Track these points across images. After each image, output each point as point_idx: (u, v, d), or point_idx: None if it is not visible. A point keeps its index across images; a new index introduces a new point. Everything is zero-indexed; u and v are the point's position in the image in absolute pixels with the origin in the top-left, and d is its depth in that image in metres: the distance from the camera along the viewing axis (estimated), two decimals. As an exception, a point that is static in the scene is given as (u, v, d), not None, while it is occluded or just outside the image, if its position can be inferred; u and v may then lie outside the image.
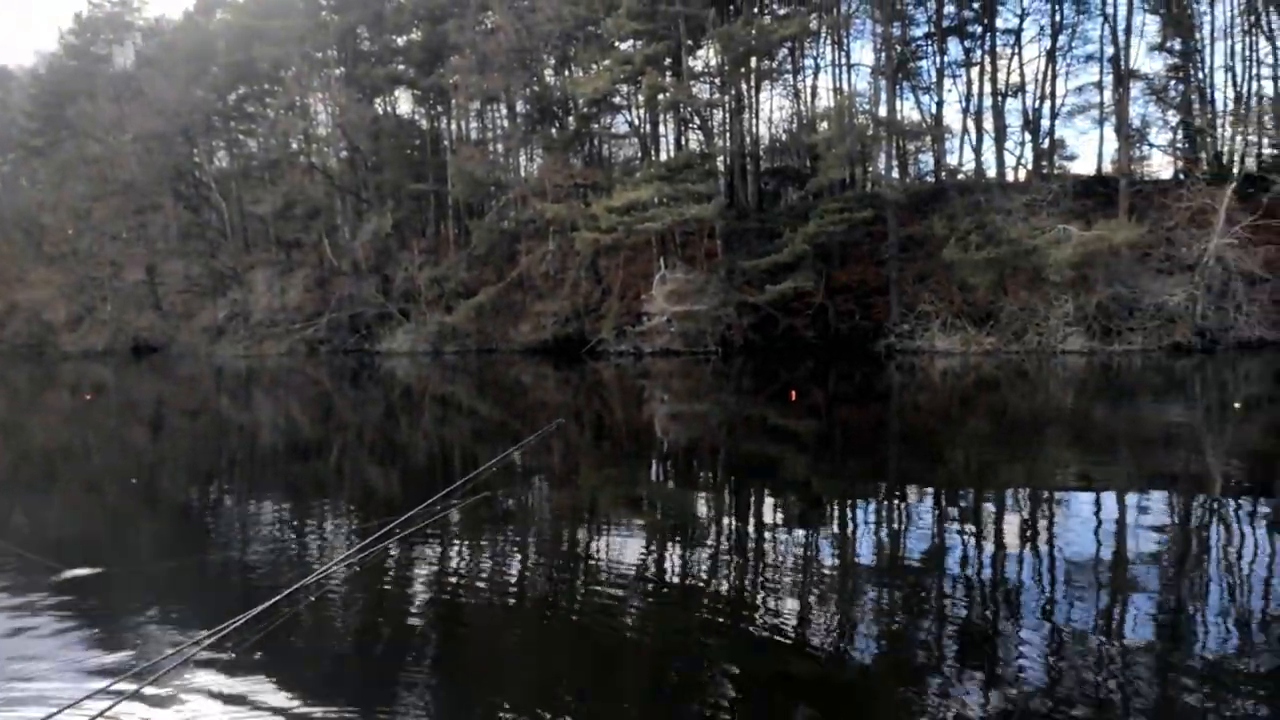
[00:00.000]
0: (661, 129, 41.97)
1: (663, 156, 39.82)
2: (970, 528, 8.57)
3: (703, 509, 9.81)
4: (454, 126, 50.53)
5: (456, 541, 8.33)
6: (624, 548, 8.09)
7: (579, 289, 37.81)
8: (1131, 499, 9.61)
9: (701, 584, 7.00)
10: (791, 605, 6.44)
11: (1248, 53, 41.20)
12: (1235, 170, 30.45)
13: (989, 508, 9.41)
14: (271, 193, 46.74)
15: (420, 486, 10.91)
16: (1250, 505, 9.34)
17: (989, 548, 7.85)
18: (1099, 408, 17.37)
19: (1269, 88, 33.38)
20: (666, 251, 35.79)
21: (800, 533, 8.58)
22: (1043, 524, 8.71)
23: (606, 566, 7.53)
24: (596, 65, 36.95)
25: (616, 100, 39.26)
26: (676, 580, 7.16)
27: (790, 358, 30.19)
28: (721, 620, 6.19)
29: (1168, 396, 18.93)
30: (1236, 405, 16.54)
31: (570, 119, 40.59)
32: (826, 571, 7.29)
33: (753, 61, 36.50)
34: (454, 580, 7.15)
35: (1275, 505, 9.28)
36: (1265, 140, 33.12)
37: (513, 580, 7.18)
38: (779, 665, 5.42)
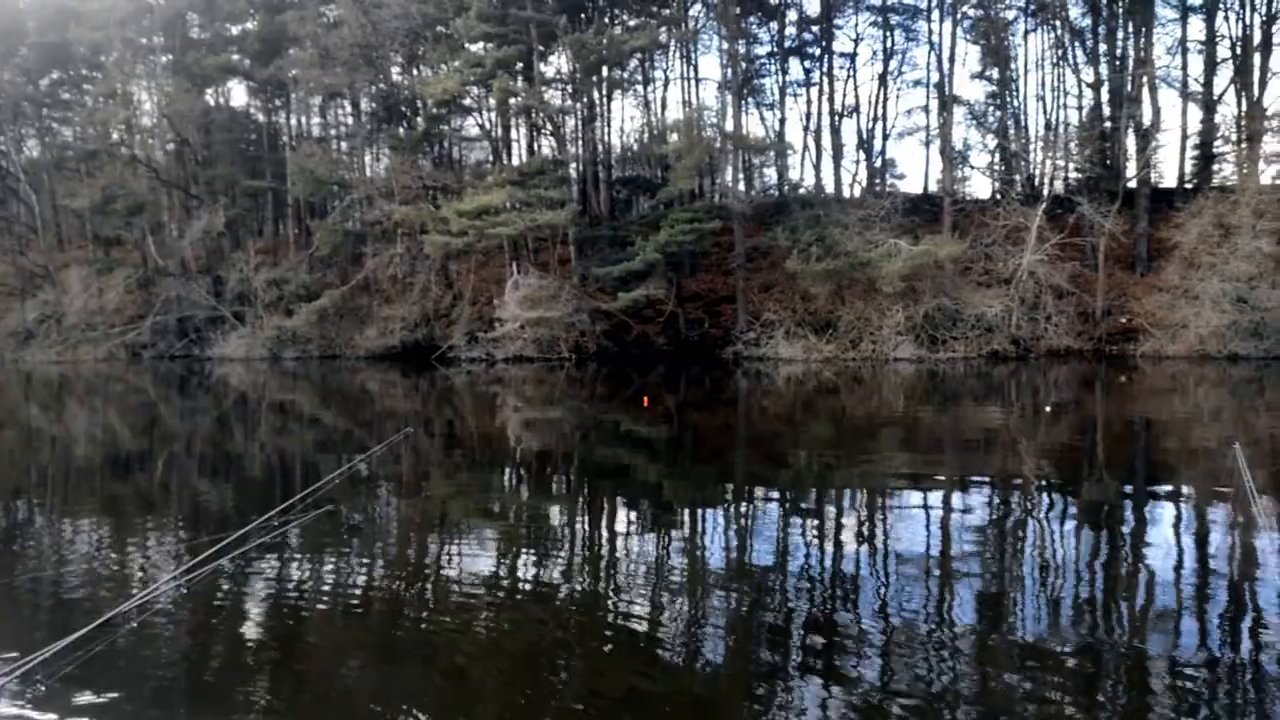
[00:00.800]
0: (513, 133, 41.73)
1: (515, 161, 39.57)
2: (813, 527, 8.94)
3: (556, 516, 9.78)
4: (294, 121, 48.39)
5: (297, 558, 7.94)
6: (476, 558, 7.95)
7: (429, 293, 36.96)
8: (956, 495, 10.30)
9: (555, 591, 6.97)
10: (644, 611, 6.51)
11: (1057, 84, 45.08)
12: (1045, 192, 33.28)
13: (830, 508, 9.85)
14: (89, 186, 43.16)
15: (257, 501, 10.35)
16: (1060, 498, 10.21)
17: (830, 546, 8.22)
18: (927, 411, 18.53)
19: (1075, 117, 36.79)
20: (519, 257, 35.55)
21: (652, 537, 8.70)
22: (879, 521, 9.20)
23: (458, 577, 7.38)
24: (446, 66, 36.29)
25: (467, 102, 38.71)
26: (529, 588, 7.10)
27: (643, 364, 30.61)
28: (574, 629, 6.19)
29: (987, 400, 20.42)
30: (1047, 408, 18.03)
31: (419, 119, 39.68)
32: (678, 576, 7.42)
33: (604, 70, 36.85)
34: (294, 599, 6.82)
35: (1081, 498, 10.19)
36: (1071, 165, 36.39)
37: (358, 596, 6.91)
38: (632, 671, 5.47)
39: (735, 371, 28.12)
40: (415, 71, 40.87)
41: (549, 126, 38.99)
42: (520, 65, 35.57)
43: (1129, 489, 10.86)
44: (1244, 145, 32.45)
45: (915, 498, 10.19)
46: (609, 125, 40.90)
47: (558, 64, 38.39)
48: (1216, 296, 26.28)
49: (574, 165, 39.06)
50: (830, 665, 5.48)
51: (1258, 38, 32.14)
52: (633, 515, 9.84)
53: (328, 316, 38.07)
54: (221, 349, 39.83)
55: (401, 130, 39.99)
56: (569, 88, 37.82)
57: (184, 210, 44.91)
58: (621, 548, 8.43)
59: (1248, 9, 32.82)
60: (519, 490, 11.60)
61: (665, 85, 47.69)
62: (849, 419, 17.66)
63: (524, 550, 8.26)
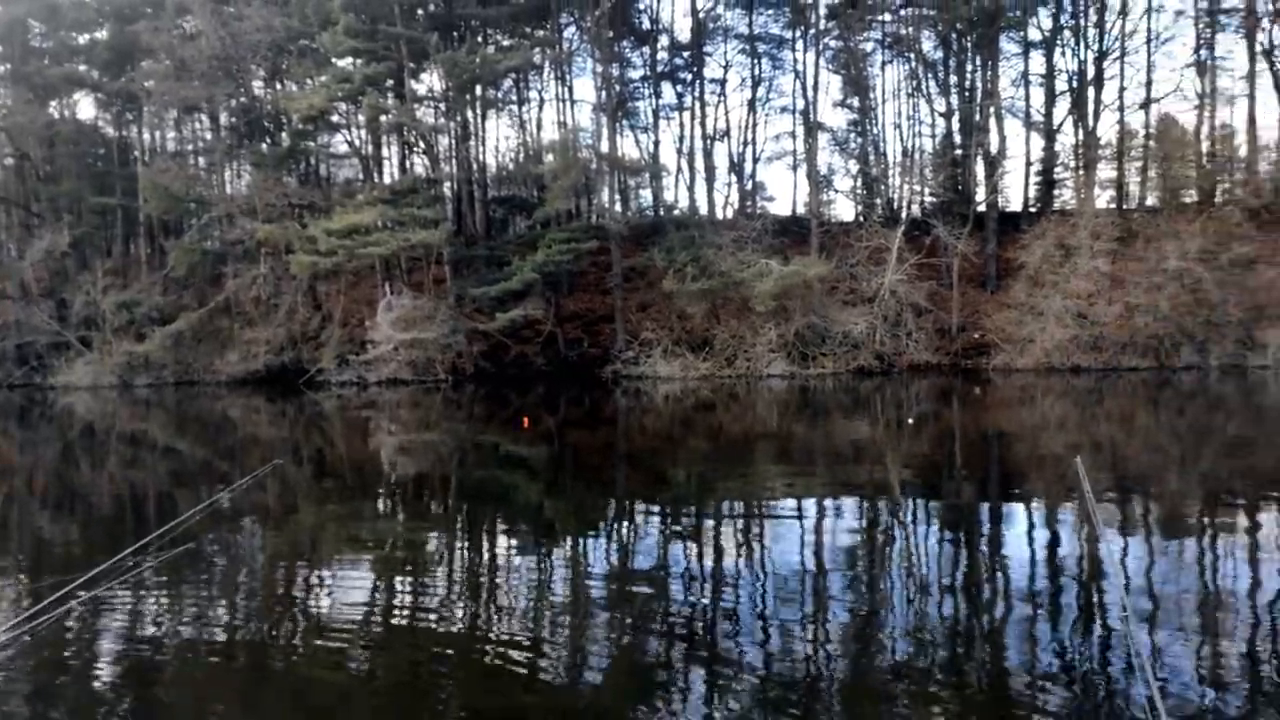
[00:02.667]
0: (385, 151, 40.81)
1: (386, 179, 38.68)
2: (693, 542, 9.06)
3: (433, 542, 9.55)
4: (147, 136, 45.77)
5: (154, 599, 7.45)
6: (349, 590, 7.67)
7: (295, 315, 35.56)
8: (829, 505, 10.66)
9: (432, 619, 6.80)
10: (525, 634, 6.43)
11: (912, 113, 47.63)
12: (904, 215, 35.02)
13: (709, 521, 10.00)
14: (-88, 202, 39.61)
15: (108, 540, 9.67)
16: (923, 505, 10.71)
17: (710, 559, 8.34)
18: (799, 425, 19.13)
19: (929, 144, 38.95)
20: (392, 277, 34.70)
21: (533, 558, 8.61)
22: (756, 533, 9.40)
23: (330, 611, 7.10)
24: (312, 81, 35.18)
25: (335, 119, 37.62)
26: (406, 618, 6.90)
27: (522, 384, 30.36)
28: (453, 654, 6.05)
29: (855, 414, 21.26)
30: (909, 420, 18.91)
31: (283, 135, 38.29)
32: (559, 597, 7.37)
33: (478, 89, 36.58)
34: (150, 642, 6.38)
35: (941, 504, 10.71)
36: (926, 190, 38.47)
37: (220, 638, 6.53)
38: (512, 696, 5.39)
39: (614, 390, 28.27)
40: (279, 86, 39.45)
41: (421, 145, 38.34)
42: (391, 82, 34.86)
43: (984, 495, 11.49)
44: (1081, 172, 35.15)
45: (790, 508, 10.48)
46: (484, 144, 40.63)
47: (430, 82, 37.86)
48: (1059, 313, 28.23)
49: (448, 184, 38.50)
50: (712, 676, 5.56)
51: (1091, 72, 34.96)
52: (513, 537, 9.72)
53: (184, 340, 36.06)
54: (66, 377, 37.09)
55: (265, 146, 38.47)
56: (442, 106, 37.32)
57: (24, 229, 41.77)
58: (502, 570, 8.30)
59: (1082, 45, 35.67)
60: (394, 517, 11.28)
61: (540, 106, 47.90)
62: (726, 435, 18.02)
63: (400, 579, 8.03)
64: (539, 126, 43.43)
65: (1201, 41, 34.94)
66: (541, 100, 44.36)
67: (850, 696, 5.26)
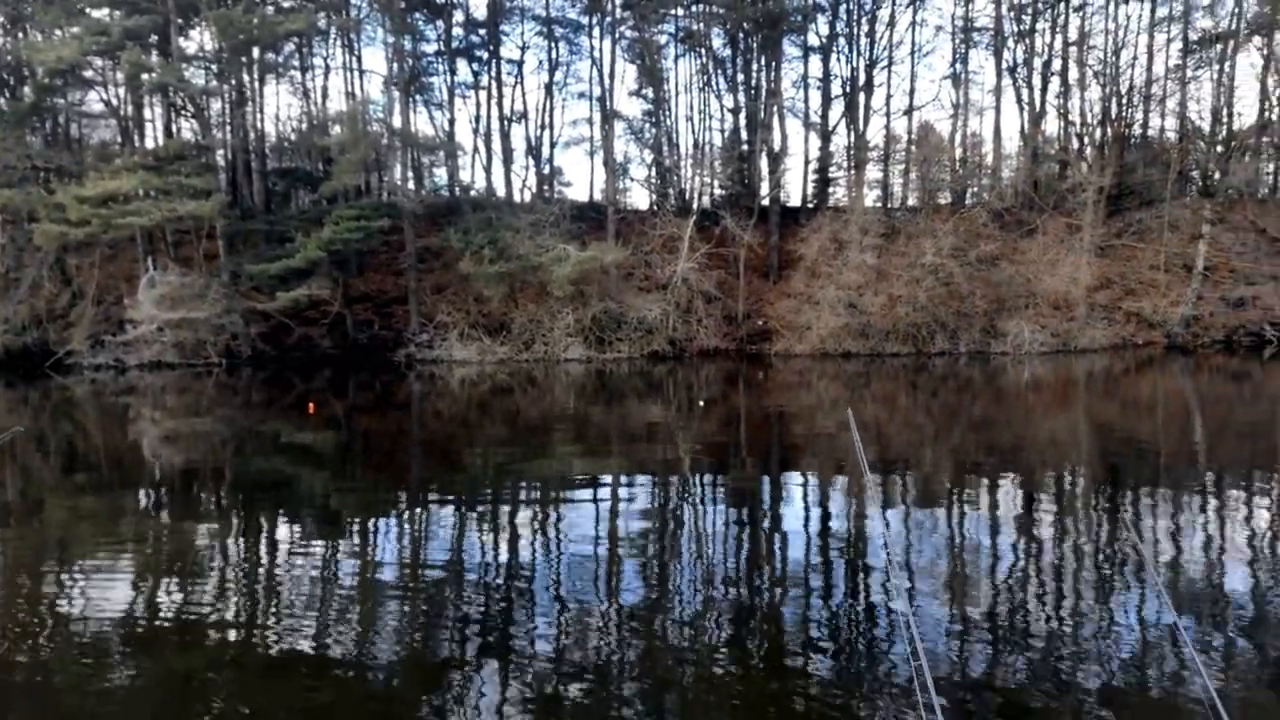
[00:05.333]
0: (147, 113, 37.11)
1: (150, 144, 35.23)
2: (489, 526, 8.99)
3: (205, 537, 8.88)
4: None
5: None
6: (106, 592, 7.00)
7: (40, 291, 31.69)
8: (624, 485, 10.92)
9: (206, 619, 6.34)
10: (309, 628, 6.15)
11: (703, 107, 49.21)
12: (695, 205, 36.26)
13: (506, 506, 9.96)
14: None
15: None
16: (712, 482, 11.21)
17: (506, 542, 8.32)
18: (596, 409, 19.42)
19: (718, 138, 40.51)
20: (155, 251, 31.68)
21: (319, 552, 8.22)
22: (553, 514, 9.48)
23: (83, 615, 6.45)
24: (62, 31, 31.39)
25: (89, 74, 33.77)
26: (173, 619, 6.39)
27: (306, 369, 28.75)
28: (230, 655, 5.68)
29: (649, 397, 21.86)
30: (699, 403, 19.70)
31: (26, 89, 33.94)
32: (347, 589, 7.09)
33: (255, 52, 34.05)
34: None
35: (730, 480, 11.26)
36: (716, 182, 40.04)
37: (-52, 650, 5.77)
38: (295, 693, 5.14)
39: (408, 375, 27.42)
40: (22, 34, 34.91)
41: (190, 108, 35.24)
42: (155, 38, 31.76)
43: (766, 471, 12.19)
44: (852, 171, 37.86)
45: (587, 490, 10.64)
46: (262, 112, 37.88)
47: (201, 40, 34.84)
48: (833, 302, 30.34)
49: (221, 152, 35.64)
50: (507, 655, 5.56)
51: (863, 79, 37.68)
52: (296, 530, 9.23)
53: (-103, 318, 31.25)
54: None
55: (3, 100, 33.95)
56: (214, 67, 34.45)
57: None
58: (284, 565, 7.87)
59: (854, 53, 38.36)
60: (158, 513, 10.38)
61: (326, 74, 45.17)
62: (523, 419, 17.98)
63: (167, 578, 7.42)
64: (325, 96, 41.14)
65: (957, 56, 38.60)
66: (328, 68, 41.79)
67: (639, 676, 5.44)
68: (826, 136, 39.05)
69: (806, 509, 9.74)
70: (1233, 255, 31.94)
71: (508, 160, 39.22)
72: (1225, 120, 35.56)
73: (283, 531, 9.23)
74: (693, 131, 41.30)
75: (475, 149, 40.41)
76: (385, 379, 26.36)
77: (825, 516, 9.44)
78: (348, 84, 44.95)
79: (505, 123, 39.08)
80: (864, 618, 6.32)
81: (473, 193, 38.15)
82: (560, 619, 6.25)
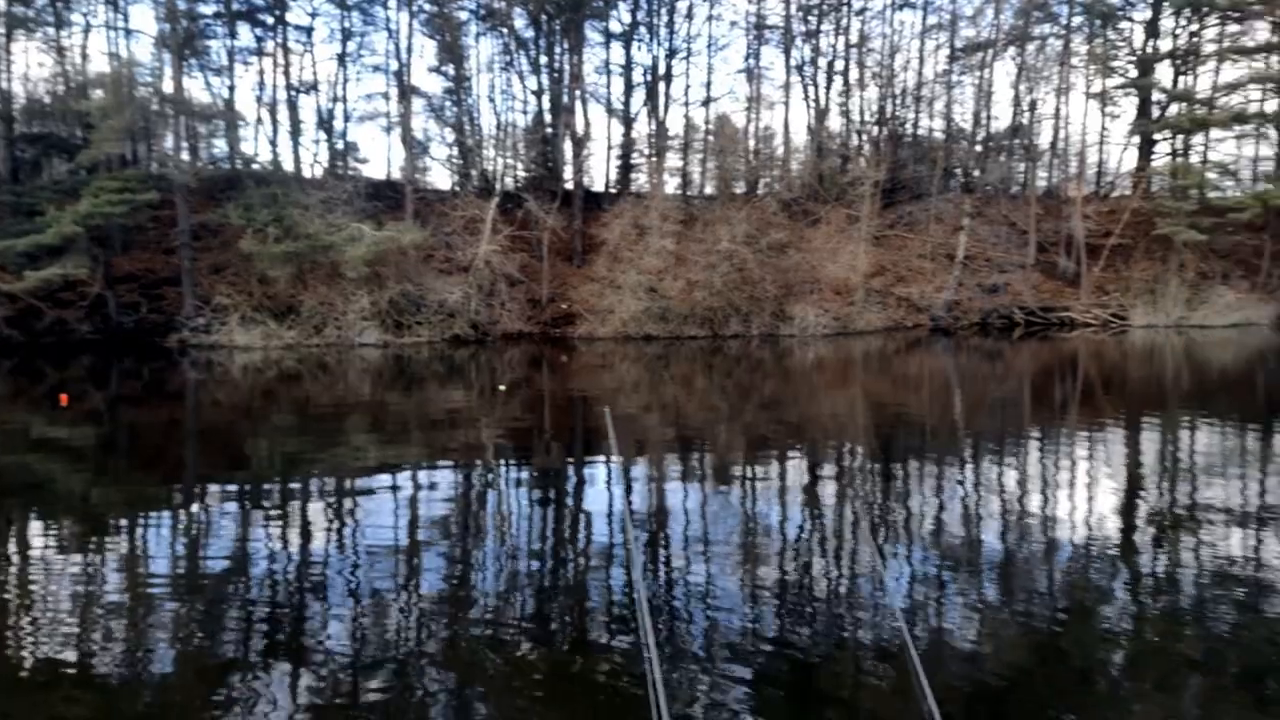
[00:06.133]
0: None
1: None
2: (277, 521, 8.48)
3: (-64, 547, 7.80)
4: None
5: None
6: None
7: None
8: (424, 474, 10.63)
9: (-63, 640, 5.58)
10: (69, 638, 5.55)
11: (506, 87, 48.54)
12: (498, 187, 35.77)
13: (296, 500, 9.43)
14: None
15: None
16: (516, 468, 11.14)
17: (298, 538, 7.88)
18: (394, 395, 18.76)
19: (521, 120, 40.12)
20: None
21: (80, 556, 7.43)
22: (348, 507, 9.07)
23: None
24: None
25: None
26: (-104, 643, 5.57)
27: (61, 356, 25.85)
28: (-31, 679, 5.03)
29: (450, 382, 21.38)
30: (501, 387, 19.50)
31: None
32: (114, 595, 6.46)
33: (1, 3, 30.12)
34: None
35: (533, 466, 11.23)
36: (519, 164, 39.68)
37: None
38: (53, 707, 4.64)
39: (182, 362, 25.29)
40: None
41: (-88, 58, 30.62)
42: None
43: (569, 454, 12.27)
44: (654, 159, 38.68)
45: (384, 480, 10.26)
46: (9, 70, 33.58)
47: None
48: (634, 286, 30.96)
49: (-46, 112, 31.31)
50: (299, 655, 5.27)
51: (662, 69, 38.51)
52: (54, 532, 8.30)
53: None
54: None
55: None
56: (-57, 14, 30.11)
57: None
58: (40, 570, 7.06)
59: (655, 42, 39.14)
60: (-123, 521, 9.00)
61: (86, 32, 40.54)
62: (314, 407, 17.08)
63: (-114, 596, 6.45)
64: (84, 56, 37.02)
65: (750, 52, 40.34)
66: (88, 26, 37.64)
67: (441, 666, 5.32)
68: (629, 123, 39.66)
69: (609, 489, 9.89)
70: (988, 246, 35.43)
71: (296, 133, 36.99)
72: (984, 123, 39.35)
73: (37, 535, 8.27)
74: (495, 112, 40.73)
75: (259, 120, 37.81)
76: (155, 366, 24.22)
77: (627, 495, 9.62)
78: (110, 44, 40.65)
79: (293, 93, 36.82)
80: (664, 590, 6.50)
81: (256, 166, 35.65)
82: (357, 613, 6.00)
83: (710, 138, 40.20)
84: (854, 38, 40.04)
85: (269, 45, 37.06)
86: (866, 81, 40.09)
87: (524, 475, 10.76)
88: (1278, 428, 13.98)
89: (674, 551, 7.43)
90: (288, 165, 36.31)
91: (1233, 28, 36.46)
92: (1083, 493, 9.69)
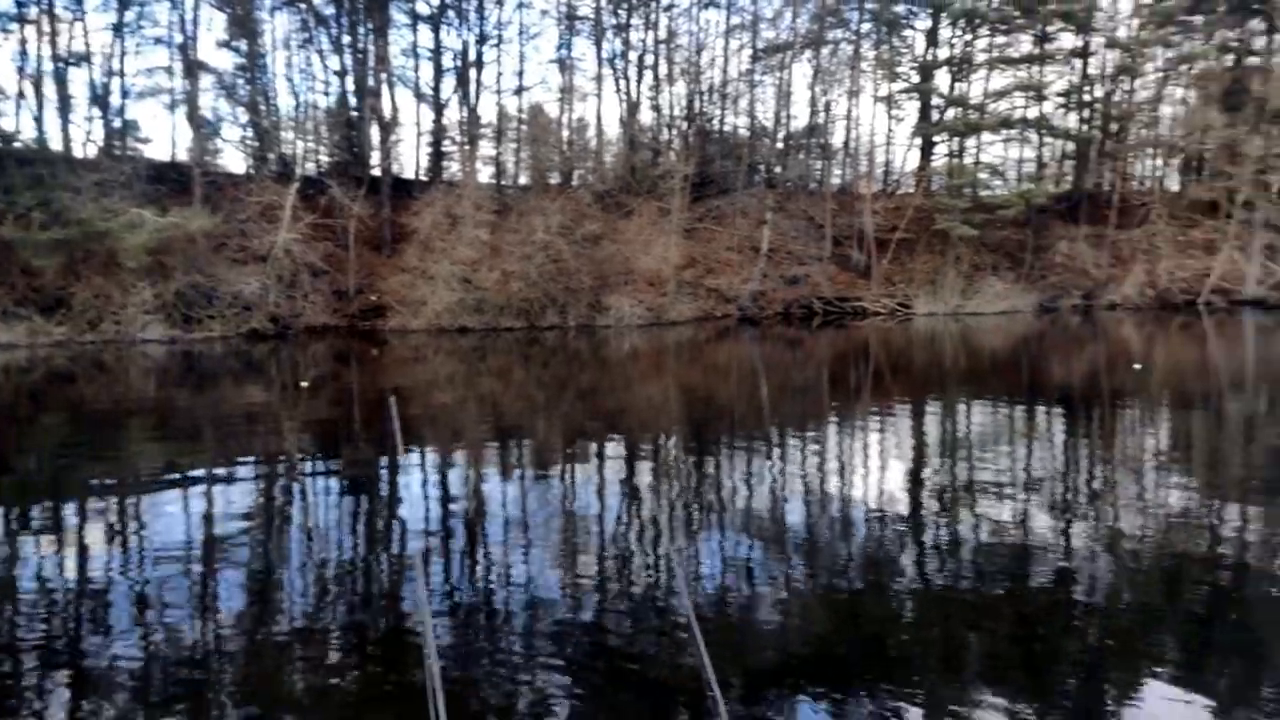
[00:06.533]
0: None
1: None
2: (50, 542, 7.66)
3: None
4: None
5: None
6: None
7: None
8: (219, 480, 9.92)
9: None
10: None
11: (306, 66, 46.06)
12: (298, 172, 33.84)
13: (70, 515, 8.55)
14: None
15: None
16: (323, 469, 10.62)
17: (75, 560, 7.14)
18: (183, 395, 17.41)
19: (324, 101, 38.10)
20: None
21: None
22: (131, 520, 8.32)
23: None
24: None
25: None
26: None
27: None
28: None
29: (247, 379, 20.08)
30: (303, 384, 18.52)
31: None
32: None
33: None
34: None
35: (342, 465, 10.75)
36: (322, 149, 37.70)
37: None
38: None
39: (-74, 363, 22.32)
40: None
41: None
42: None
43: (382, 452, 11.83)
44: (466, 146, 37.89)
45: (174, 490, 9.50)
46: None
47: None
48: (447, 277, 30.23)
49: None
50: (79, 689, 4.79)
51: (473, 54, 37.74)
52: None
53: None
54: None
55: None
56: None
57: None
58: None
59: (465, 27, 38.27)
60: None
61: None
62: (90, 410, 15.54)
63: None
64: None
65: (562, 42, 40.29)
66: None
67: (242, 684, 5.01)
68: (439, 109, 38.64)
69: (425, 484, 9.64)
70: (790, 239, 37.29)
71: (65, 109, 33.35)
72: (784, 122, 41.33)
73: None
74: (294, 92, 38.46)
75: (21, 94, 33.78)
76: (-106, 369, 21.27)
77: (444, 490, 9.41)
78: None
79: (61, 65, 33.18)
80: (483, 584, 6.41)
81: (18, 144, 31.91)
82: (146, 639, 5.52)
83: (523, 127, 39.88)
84: (662, 33, 40.92)
85: (31, 11, 33.19)
86: (675, 77, 41.10)
87: (333, 475, 10.29)
88: (1040, 405, 15.62)
89: (488, 545, 7.34)
90: (56, 144, 32.72)
91: (1001, 39, 40.23)
92: (875, 471, 10.43)
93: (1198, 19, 38.91)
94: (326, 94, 38.15)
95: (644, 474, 10.23)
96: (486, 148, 39.15)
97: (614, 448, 11.88)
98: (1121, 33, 38.86)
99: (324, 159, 36.90)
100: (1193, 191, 39.54)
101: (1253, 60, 39.71)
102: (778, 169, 41.24)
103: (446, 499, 9.05)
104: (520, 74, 41.64)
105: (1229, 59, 39.81)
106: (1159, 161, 42.25)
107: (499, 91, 39.61)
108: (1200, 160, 40.22)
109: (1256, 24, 39.68)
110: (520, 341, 27.07)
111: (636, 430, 13.28)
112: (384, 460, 11.11)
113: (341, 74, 36.56)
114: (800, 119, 42.66)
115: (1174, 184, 42.02)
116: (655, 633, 5.60)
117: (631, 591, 6.34)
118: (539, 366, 22.27)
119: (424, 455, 11.40)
